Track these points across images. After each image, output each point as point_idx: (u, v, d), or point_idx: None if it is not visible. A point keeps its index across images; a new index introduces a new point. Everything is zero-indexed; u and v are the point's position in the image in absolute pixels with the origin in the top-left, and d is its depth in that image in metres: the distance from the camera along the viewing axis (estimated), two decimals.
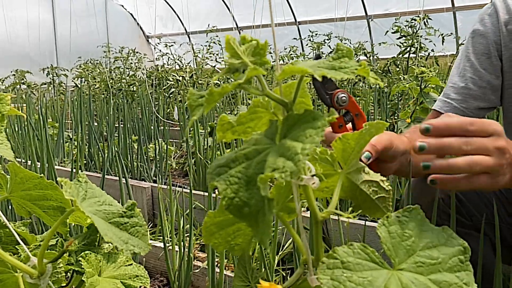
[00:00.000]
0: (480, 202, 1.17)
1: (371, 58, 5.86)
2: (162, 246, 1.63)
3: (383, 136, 0.94)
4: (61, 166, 3.25)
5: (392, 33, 4.43)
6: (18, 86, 7.79)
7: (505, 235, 1.20)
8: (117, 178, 2.60)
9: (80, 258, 1.02)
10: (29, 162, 2.91)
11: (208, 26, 8.03)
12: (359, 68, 0.63)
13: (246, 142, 0.65)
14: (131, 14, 12.43)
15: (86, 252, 1.05)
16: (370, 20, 9.89)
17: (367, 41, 6.30)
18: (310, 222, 0.72)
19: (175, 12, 11.87)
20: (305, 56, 7.00)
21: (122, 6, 12.33)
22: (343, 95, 0.92)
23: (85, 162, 3.33)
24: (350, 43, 6.25)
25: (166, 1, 11.72)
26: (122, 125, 4.69)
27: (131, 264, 1.10)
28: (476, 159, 0.77)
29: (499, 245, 1.12)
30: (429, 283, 0.62)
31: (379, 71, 4.97)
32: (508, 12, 1.25)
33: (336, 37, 6.45)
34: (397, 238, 0.66)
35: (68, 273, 1.12)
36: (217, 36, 7.58)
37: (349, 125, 0.95)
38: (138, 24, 12.72)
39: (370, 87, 5.38)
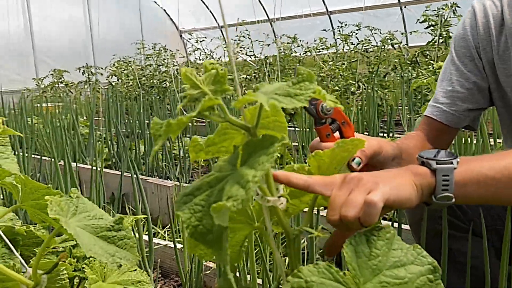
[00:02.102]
0: (479, 206, 1.16)
1: (401, 47, 5.73)
2: (179, 247, 1.68)
3: (371, 141, 0.95)
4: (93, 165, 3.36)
5: (420, 22, 4.34)
6: (57, 85, 8.04)
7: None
8: (145, 177, 2.68)
9: (84, 265, 1.07)
10: (61, 162, 3.03)
11: (237, 19, 8.04)
12: (312, 95, 0.65)
13: (213, 168, 0.68)
14: (164, 10, 12.56)
15: (91, 258, 1.10)
16: (403, 7, 9.66)
17: (397, 31, 6.15)
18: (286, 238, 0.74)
19: (206, 6, 11.93)
20: (337, 48, 6.91)
21: (155, 2, 12.48)
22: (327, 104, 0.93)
23: (114, 160, 3.42)
24: (380, 33, 6.12)
25: None
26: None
27: (135, 270, 1.15)
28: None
29: (507, 249, 1.12)
30: None
31: (408, 61, 4.88)
32: (485, 15, 1.24)
33: (366, 27, 6.33)
34: (363, 258, 0.67)
35: (76, 279, 1.18)
36: (246, 30, 7.59)
37: (337, 134, 0.97)
38: (171, 19, 12.85)
39: (402, 76, 5.29)
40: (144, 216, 1.47)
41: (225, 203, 0.55)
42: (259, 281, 1.36)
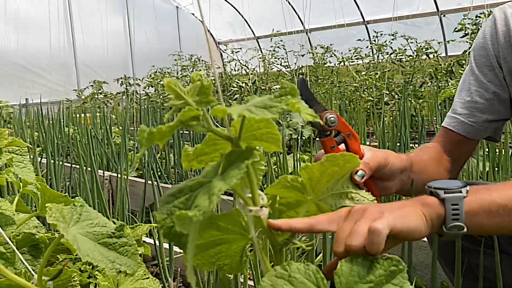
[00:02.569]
0: None
1: (437, 57, 5.62)
2: None
3: (377, 153, 0.94)
4: (124, 174, 3.42)
5: (456, 31, 4.25)
6: (96, 96, 8.28)
7: None
8: (169, 186, 2.72)
9: (96, 272, 1.09)
10: (99, 172, 3.10)
11: (273, 30, 8.08)
12: (286, 107, 0.64)
13: (202, 172, 0.70)
14: (202, 21, 12.78)
15: None
16: (442, 16, 9.50)
17: (433, 40, 6.04)
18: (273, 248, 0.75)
19: (243, 17, 12.06)
20: (373, 58, 6.85)
21: (193, 14, 12.71)
22: (331, 116, 0.92)
23: (145, 170, 3.48)
24: (416, 42, 6.03)
25: (234, 7, 11.93)
26: (187, 132, 4.87)
27: (148, 278, 1.16)
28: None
29: None
30: None
31: (443, 71, 4.78)
32: (506, 23, 1.20)
33: (402, 36, 6.26)
34: (355, 278, 0.66)
35: (91, 286, 1.20)
36: (281, 40, 7.63)
37: (342, 146, 0.95)
38: (208, 30, 13.04)
39: (439, 86, 5.18)
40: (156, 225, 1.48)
41: (187, 212, 0.57)
42: (250, 282, 1.36)
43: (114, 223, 0.89)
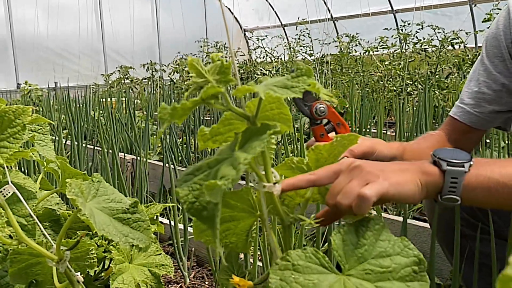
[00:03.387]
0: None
1: (465, 47, 5.53)
2: None
3: (364, 142, 0.97)
4: (147, 158, 3.51)
5: (483, 21, 4.17)
6: (123, 81, 8.41)
7: None
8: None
9: (111, 247, 1.15)
10: (120, 154, 3.19)
11: (298, 18, 8.05)
12: (307, 87, 0.68)
13: (216, 152, 0.73)
14: (228, 8, 12.78)
15: None
16: (472, 5, 9.28)
17: (461, 30, 5.92)
18: (282, 225, 0.78)
19: (270, 4, 12.01)
20: (401, 47, 6.76)
21: (220, 1, 12.72)
22: (321, 106, 0.97)
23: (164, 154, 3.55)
24: (444, 32, 5.93)
25: None
26: (208, 118, 4.93)
27: (160, 254, 1.22)
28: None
29: None
30: None
31: (469, 62, 4.70)
32: None
33: (429, 26, 6.15)
34: (350, 246, 0.70)
35: (107, 260, 1.26)
36: (306, 28, 7.59)
37: (333, 134, 0.99)
38: (235, 18, 13.05)
39: (465, 77, 5.10)
40: (173, 204, 1.54)
41: (216, 181, 0.60)
42: (259, 263, 1.39)
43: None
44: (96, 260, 1.09)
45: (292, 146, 2.88)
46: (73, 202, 0.81)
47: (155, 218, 1.31)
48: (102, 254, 1.20)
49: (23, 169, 2.35)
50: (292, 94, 0.67)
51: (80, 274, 1.03)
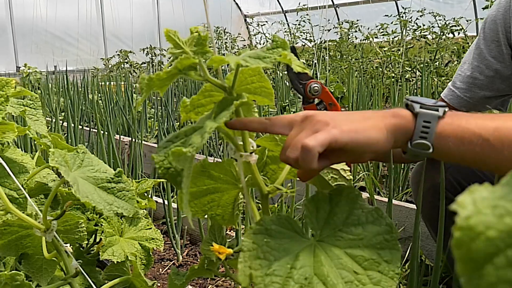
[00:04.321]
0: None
1: (465, 35, 5.51)
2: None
3: None
4: (144, 140, 3.52)
5: (483, 8, 4.16)
6: (122, 65, 8.40)
7: None
8: None
9: (102, 220, 1.17)
10: (116, 136, 3.20)
11: (299, 4, 8.01)
12: (278, 58, 0.69)
13: (196, 122, 0.75)
14: None
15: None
16: None
17: (461, 17, 5.90)
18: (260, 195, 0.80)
19: None
20: (402, 34, 6.74)
21: None
22: (315, 85, 0.98)
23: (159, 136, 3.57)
24: (445, 19, 5.91)
25: None
26: None
27: (150, 228, 1.24)
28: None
29: None
30: (343, 255, 0.67)
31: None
32: None
33: (430, 13, 6.13)
34: (323, 213, 0.72)
35: (98, 233, 1.28)
36: (307, 14, 7.56)
37: None
38: (236, 3, 12.99)
39: None
40: (163, 180, 1.56)
41: (181, 148, 0.62)
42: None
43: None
44: (85, 233, 1.11)
45: None
46: (57, 170, 0.82)
47: (146, 193, 1.33)
48: (93, 227, 1.22)
49: (22, 148, 2.37)
50: (263, 64, 0.68)
51: (70, 246, 1.05)
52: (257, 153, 0.74)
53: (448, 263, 1.36)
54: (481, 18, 5.48)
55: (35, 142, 1.37)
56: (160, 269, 1.76)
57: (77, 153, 0.91)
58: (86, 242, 1.28)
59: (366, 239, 0.68)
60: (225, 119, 0.63)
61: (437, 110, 0.70)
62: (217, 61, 0.67)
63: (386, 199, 1.93)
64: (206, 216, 0.91)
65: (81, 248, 1.27)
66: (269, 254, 0.64)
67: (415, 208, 1.84)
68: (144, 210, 1.32)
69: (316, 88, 0.98)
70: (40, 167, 1.29)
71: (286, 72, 6.40)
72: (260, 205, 0.81)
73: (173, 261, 1.79)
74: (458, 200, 0.28)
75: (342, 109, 1.05)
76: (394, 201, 1.78)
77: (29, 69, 6.89)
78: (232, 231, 1.86)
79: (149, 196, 1.51)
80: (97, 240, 1.28)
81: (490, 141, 0.69)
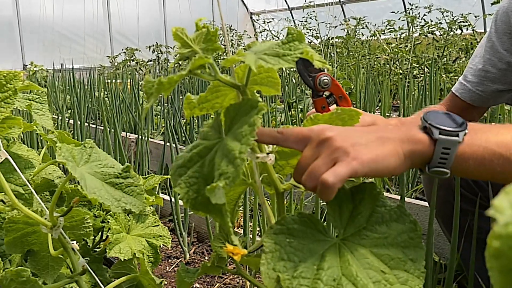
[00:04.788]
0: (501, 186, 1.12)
1: (473, 31, 5.46)
2: None
3: (364, 117, 0.94)
4: (150, 137, 3.51)
5: (492, 4, 4.11)
6: (128, 63, 8.40)
7: None
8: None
9: (108, 216, 1.15)
10: (123, 134, 3.19)
11: (305, 1, 7.97)
12: (300, 56, 0.66)
13: (199, 134, 0.71)
14: None
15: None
16: None
17: (469, 13, 5.84)
18: (276, 193, 0.77)
19: None
20: (409, 31, 6.69)
21: None
22: (325, 77, 0.95)
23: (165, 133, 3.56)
24: (452, 15, 5.85)
25: None
26: None
27: (158, 225, 1.22)
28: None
29: None
30: (369, 255, 0.64)
31: (477, 46, 4.64)
32: None
33: (437, 9, 6.07)
34: (345, 211, 0.69)
35: (105, 230, 1.27)
36: (313, 11, 7.52)
37: (333, 107, 0.98)
38: (242, 1, 12.96)
39: None
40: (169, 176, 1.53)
41: (217, 184, 0.56)
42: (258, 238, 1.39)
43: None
44: (91, 229, 1.09)
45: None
46: (64, 165, 0.80)
47: (153, 190, 1.31)
48: (100, 224, 1.20)
49: (28, 145, 2.36)
50: (284, 63, 0.64)
51: (76, 243, 1.03)
52: (273, 151, 0.72)
53: (462, 262, 1.33)
54: (489, 14, 5.42)
55: (42, 138, 1.35)
56: (167, 267, 1.74)
57: (84, 147, 0.89)
58: (93, 238, 1.26)
59: (390, 237, 0.65)
60: (252, 138, 0.57)
61: (457, 135, 0.68)
62: (232, 61, 0.64)
63: (396, 196, 1.90)
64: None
65: (87, 246, 1.25)
66: (293, 255, 0.62)
67: (426, 205, 1.82)
68: (151, 207, 1.30)
69: (326, 80, 0.95)
70: (47, 163, 1.27)
71: (293, 69, 6.37)
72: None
73: (180, 259, 1.77)
74: (495, 204, 0.25)
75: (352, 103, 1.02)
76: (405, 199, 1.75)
77: (35, 67, 6.89)
78: (239, 228, 1.84)
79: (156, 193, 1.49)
80: (104, 237, 1.26)
81: (511, 160, 0.67)
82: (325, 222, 0.79)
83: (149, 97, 0.66)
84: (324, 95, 0.98)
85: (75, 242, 1.03)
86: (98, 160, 0.89)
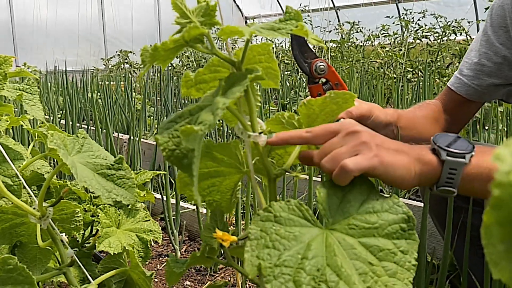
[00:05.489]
0: None
1: (467, 36, 5.50)
2: (204, 211, 1.73)
3: (362, 105, 0.94)
4: (143, 138, 3.49)
5: (485, 9, 4.14)
6: (122, 65, 8.37)
7: None
8: None
9: (98, 210, 1.14)
10: (115, 134, 3.18)
11: (300, 5, 8.00)
12: (295, 29, 0.65)
13: (200, 99, 0.71)
14: None
15: (105, 205, 1.16)
16: None
17: (463, 19, 5.89)
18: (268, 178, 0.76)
19: None
20: (402, 36, 6.72)
21: None
22: (321, 63, 0.94)
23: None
24: (446, 20, 5.88)
25: None
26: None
27: (148, 220, 1.20)
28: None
29: None
30: (357, 245, 0.63)
31: None
32: None
33: (431, 14, 6.11)
34: (335, 200, 0.68)
35: (95, 224, 1.25)
36: (308, 15, 7.54)
37: None
38: (237, 5, 12.99)
39: None
40: (164, 172, 1.52)
41: (192, 126, 0.57)
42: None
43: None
44: (82, 222, 1.07)
45: None
46: (55, 153, 0.79)
47: (145, 185, 1.29)
48: (90, 218, 1.19)
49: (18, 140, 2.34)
50: (278, 35, 0.64)
51: (66, 236, 1.01)
52: (266, 132, 0.71)
53: (455, 259, 1.33)
54: (482, 20, 5.46)
55: (31, 132, 1.34)
56: (158, 265, 1.72)
57: (77, 137, 0.87)
58: (82, 233, 1.25)
59: (381, 228, 0.64)
60: (239, 94, 0.59)
61: (464, 157, 0.72)
62: (228, 32, 0.63)
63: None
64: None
65: (77, 240, 1.24)
66: (278, 243, 0.61)
67: (420, 205, 1.81)
68: (143, 203, 1.29)
69: (322, 67, 0.95)
70: (36, 156, 1.26)
71: (287, 72, 6.36)
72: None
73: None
74: (496, 153, 0.25)
75: None
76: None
77: (28, 68, 6.86)
78: (232, 226, 1.83)
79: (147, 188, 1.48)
80: (94, 232, 1.24)
81: None
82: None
83: (144, 65, 0.66)
84: (320, 82, 0.97)
85: (64, 235, 1.01)
86: (90, 151, 0.88)
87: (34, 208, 0.89)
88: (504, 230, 0.23)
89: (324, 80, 0.97)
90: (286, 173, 0.74)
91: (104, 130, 2.61)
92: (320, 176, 1.97)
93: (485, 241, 0.25)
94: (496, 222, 0.24)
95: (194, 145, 0.60)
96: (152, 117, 3.87)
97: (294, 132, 0.72)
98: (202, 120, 0.60)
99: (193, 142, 0.60)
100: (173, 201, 1.83)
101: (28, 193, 0.94)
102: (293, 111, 3.63)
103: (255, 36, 0.65)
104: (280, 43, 8.19)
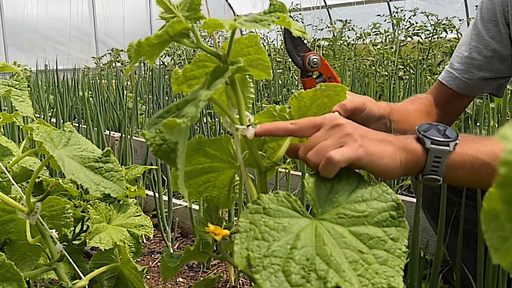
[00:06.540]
0: None
1: (458, 33, 5.52)
2: (197, 208, 1.73)
3: (355, 98, 0.94)
4: (135, 136, 3.47)
5: (476, 6, 4.16)
6: (114, 64, 8.33)
7: None
8: None
9: (88, 206, 1.13)
10: (107, 132, 3.16)
11: (292, 3, 8.00)
12: (276, 20, 0.65)
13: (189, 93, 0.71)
14: None
15: (96, 200, 1.15)
16: None
17: (454, 17, 5.91)
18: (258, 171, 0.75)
19: None
20: (394, 34, 6.74)
21: None
22: (314, 57, 0.94)
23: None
24: (437, 18, 5.90)
25: None
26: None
27: (140, 215, 1.20)
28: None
29: None
30: (347, 234, 0.63)
31: None
32: None
33: (422, 12, 6.13)
34: (323, 190, 0.68)
35: (85, 220, 1.24)
36: (300, 14, 7.55)
37: None
38: (229, 4, 12.97)
39: None
40: (155, 167, 1.51)
41: (175, 119, 0.57)
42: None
43: None
44: (72, 219, 1.06)
45: None
46: (41, 146, 0.78)
47: (136, 181, 1.28)
48: (80, 214, 1.18)
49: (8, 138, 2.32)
50: (260, 27, 0.65)
51: (56, 232, 1.00)
52: (253, 125, 0.70)
53: (448, 252, 1.33)
54: (473, 18, 5.49)
55: (23, 129, 1.32)
56: (150, 262, 1.71)
57: (63, 131, 0.86)
58: (73, 229, 1.23)
59: (370, 216, 0.64)
60: (220, 85, 0.59)
61: (448, 145, 0.73)
62: (212, 25, 0.63)
63: None
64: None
65: (67, 237, 1.23)
66: (267, 234, 0.61)
67: (412, 201, 1.81)
68: (134, 199, 1.28)
69: (315, 60, 0.94)
70: (26, 152, 1.24)
71: (279, 70, 6.35)
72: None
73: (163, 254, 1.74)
74: (501, 132, 0.24)
75: None
76: None
77: (18, 66, 6.81)
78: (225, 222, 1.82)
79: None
80: (84, 228, 1.23)
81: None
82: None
83: (131, 60, 0.66)
84: (313, 76, 0.97)
85: (54, 231, 1.00)
86: (77, 144, 0.87)
87: (22, 204, 0.88)
88: (510, 209, 0.23)
89: (317, 73, 0.97)
90: (277, 166, 0.73)
91: (96, 128, 2.59)
92: (312, 172, 1.96)
93: (485, 226, 0.25)
94: (502, 200, 0.23)
95: (178, 139, 0.60)
96: (144, 115, 3.85)
97: (279, 123, 0.73)
98: (185, 113, 0.60)
99: (177, 135, 0.60)
100: (165, 198, 1.82)
101: (17, 190, 0.92)
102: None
103: (240, 29, 0.65)
104: (272, 41, 8.19)
